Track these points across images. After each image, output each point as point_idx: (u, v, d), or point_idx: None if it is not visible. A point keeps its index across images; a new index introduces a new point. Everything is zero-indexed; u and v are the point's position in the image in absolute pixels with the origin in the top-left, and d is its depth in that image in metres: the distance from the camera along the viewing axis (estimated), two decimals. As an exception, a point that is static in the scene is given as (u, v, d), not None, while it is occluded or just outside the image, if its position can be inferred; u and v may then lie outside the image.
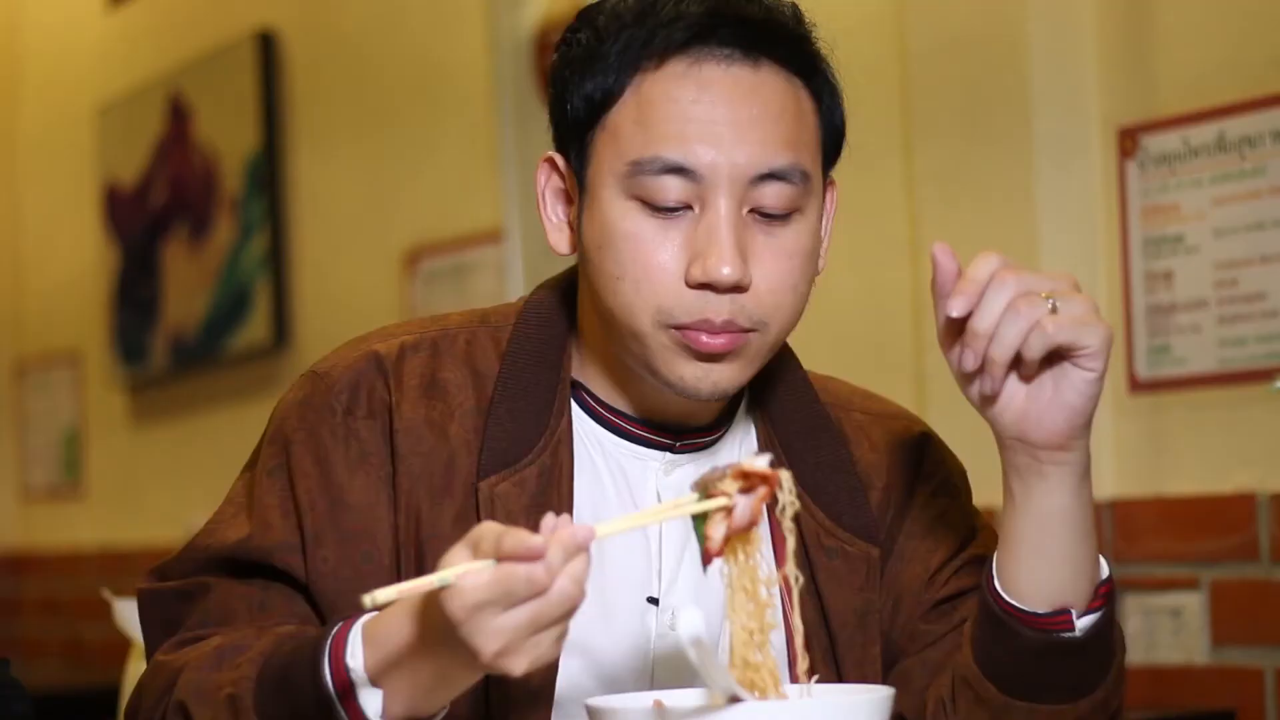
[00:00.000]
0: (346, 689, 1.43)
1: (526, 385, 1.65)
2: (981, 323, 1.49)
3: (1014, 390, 1.53)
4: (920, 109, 2.89)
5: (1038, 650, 1.56)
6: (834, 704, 1.43)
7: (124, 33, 5.31)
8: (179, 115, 5.00)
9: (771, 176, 1.56)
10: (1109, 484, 2.70)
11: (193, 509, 4.39)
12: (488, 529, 1.35)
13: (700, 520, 1.45)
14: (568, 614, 1.34)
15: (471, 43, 3.97)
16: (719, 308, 1.55)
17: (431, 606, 1.36)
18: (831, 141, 1.64)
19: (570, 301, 1.71)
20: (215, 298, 4.83)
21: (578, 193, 1.63)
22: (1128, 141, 2.70)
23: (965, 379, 1.53)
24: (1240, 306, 2.56)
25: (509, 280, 3.77)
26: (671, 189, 1.55)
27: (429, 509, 1.61)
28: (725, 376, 1.59)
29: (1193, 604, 2.62)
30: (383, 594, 1.31)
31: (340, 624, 1.47)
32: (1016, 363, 1.50)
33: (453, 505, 1.61)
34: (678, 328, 1.56)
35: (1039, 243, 2.71)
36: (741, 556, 1.45)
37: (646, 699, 1.44)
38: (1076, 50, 2.74)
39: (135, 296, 5.22)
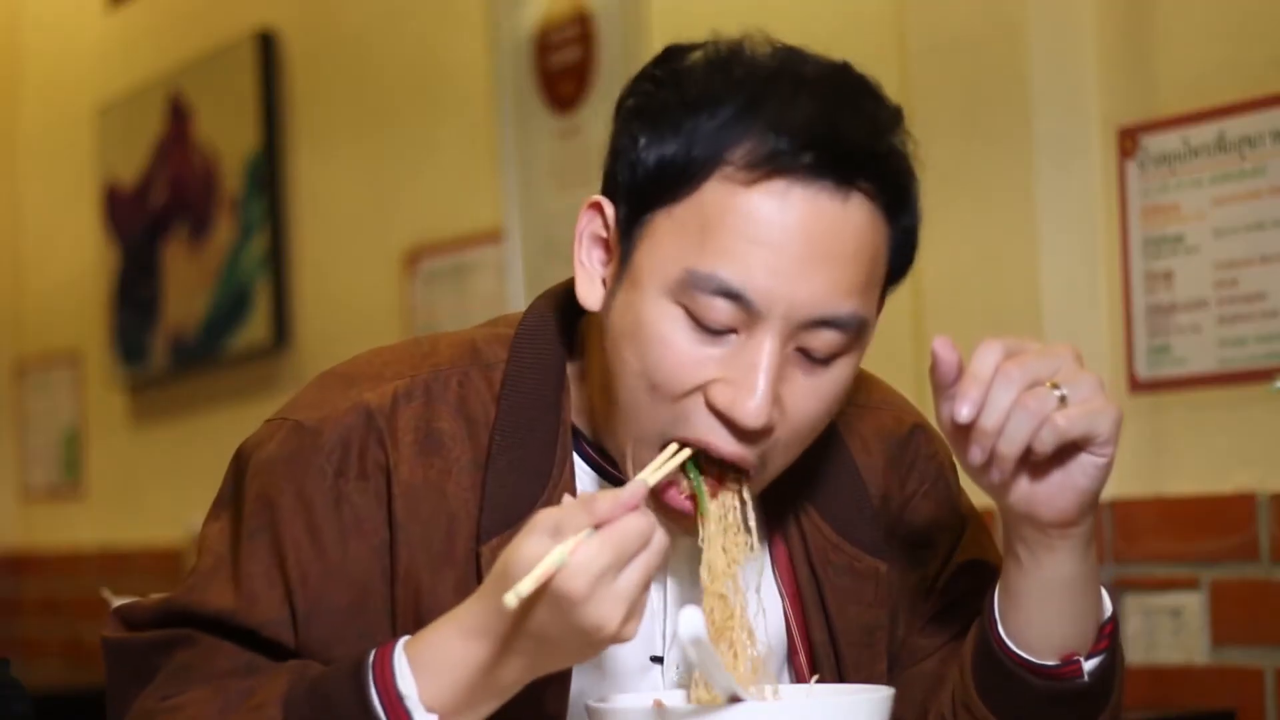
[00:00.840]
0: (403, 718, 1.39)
1: (524, 434, 1.55)
2: (989, 421, 1.44)
3: (1021, 474, 1.49)
4: (920, 109, 2.89)
5: (1047, 697, 1.54)
6: (834, 704, 1.43)
7: (124, 33, 5.30)
8: (179, 115, 5.00)
9: (826, 324, 1.47)
10: (1109, 484, 2.68)
11: (192, 509, 4.38)
12: (560, 511, 1.33)
13: (693, 466, 1.47)
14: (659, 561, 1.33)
15: (471, 43, 3.96)
16: (725, 441, 1.47)
17: (517, 612, 1.33)
18: (899, 269, 1.55)
19: (569, 322, 1.61)
20: (215, 298, 4.83)
21: (619, 255, 1.51)
22: (1128, 141, 2.70)
23: (974, 470, 1.48)
24: (1240, 306, 2.56)
25: (509, 280, 3.76)
26: (721, 312, 1.44)
27: (429, 578, 1.53)
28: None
29: (1193, 604, 2.62)
30: (524, 585, 1.29)
31: (374, 652, 1.42)
32: (1026, 453, 1.45)
33: (453, 572, 1.53)
34: (679, 440, 1.47)
35: (1039, 243, 2.70)
36: (729, 495, 1.49)
37: (646, 699, 1.44)
38: (1076, 50, 2.74)
39: (135, 296, 5.21)
